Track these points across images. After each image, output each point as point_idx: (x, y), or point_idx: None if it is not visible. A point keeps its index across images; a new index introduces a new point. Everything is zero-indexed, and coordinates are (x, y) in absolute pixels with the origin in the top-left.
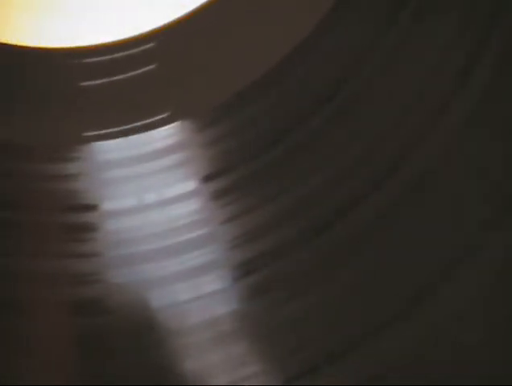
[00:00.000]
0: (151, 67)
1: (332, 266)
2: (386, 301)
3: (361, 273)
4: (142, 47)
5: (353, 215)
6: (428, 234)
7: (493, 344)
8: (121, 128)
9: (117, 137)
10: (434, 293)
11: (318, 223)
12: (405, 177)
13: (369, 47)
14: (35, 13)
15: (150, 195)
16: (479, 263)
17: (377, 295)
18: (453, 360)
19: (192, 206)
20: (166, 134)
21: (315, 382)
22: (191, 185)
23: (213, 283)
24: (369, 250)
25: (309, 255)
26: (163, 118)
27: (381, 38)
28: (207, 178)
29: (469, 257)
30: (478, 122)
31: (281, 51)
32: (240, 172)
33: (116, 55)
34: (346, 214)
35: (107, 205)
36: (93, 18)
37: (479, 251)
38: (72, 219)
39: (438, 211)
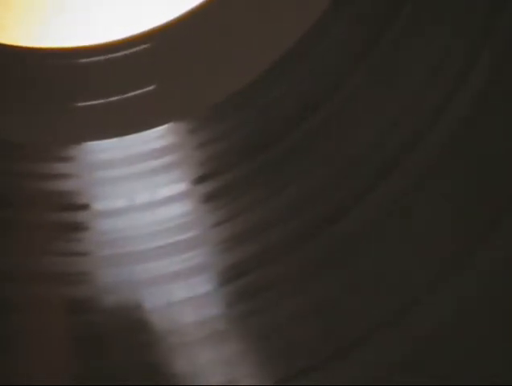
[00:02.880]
0: (147, 68)
1: (323, 269)
2: (382, 303)
3: (353, 276)
4: (139, 47)
5: (343, 219)
6: (427, 235)
7: (492, 344)
8: (114, 128)
9: (110, 137)
10: (434, 293)
11: (308, 227)
12: (402, 179)
13: (367, 46)
14: (33, 13)
15: (142, 196)
16: (479, 263)
17: (372, 298)
18: (453, 360)
19: (184, 207)
20: (159, 135)
21: (307, 383)
22: (182, 186)
23: (205, 284)
24: (362, 253)
25: (299, 258)
26: (155, 119)
27: (378, 38)
28: (199, 180)
29: (469, 258)
30: (477, 123)
31: (279, 51)
32: (232, 174)
33: (112, 56)
34: (336, 218)
35: (98, 205)
36: (92, 18)
37: (479, 252)
38: (63, 219)
39: (437, 212)
